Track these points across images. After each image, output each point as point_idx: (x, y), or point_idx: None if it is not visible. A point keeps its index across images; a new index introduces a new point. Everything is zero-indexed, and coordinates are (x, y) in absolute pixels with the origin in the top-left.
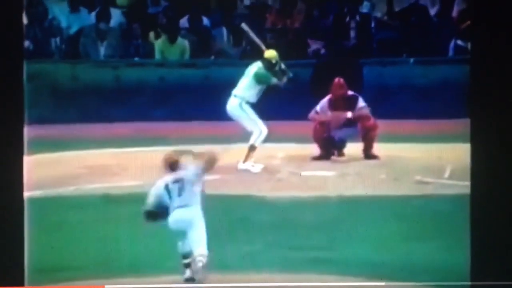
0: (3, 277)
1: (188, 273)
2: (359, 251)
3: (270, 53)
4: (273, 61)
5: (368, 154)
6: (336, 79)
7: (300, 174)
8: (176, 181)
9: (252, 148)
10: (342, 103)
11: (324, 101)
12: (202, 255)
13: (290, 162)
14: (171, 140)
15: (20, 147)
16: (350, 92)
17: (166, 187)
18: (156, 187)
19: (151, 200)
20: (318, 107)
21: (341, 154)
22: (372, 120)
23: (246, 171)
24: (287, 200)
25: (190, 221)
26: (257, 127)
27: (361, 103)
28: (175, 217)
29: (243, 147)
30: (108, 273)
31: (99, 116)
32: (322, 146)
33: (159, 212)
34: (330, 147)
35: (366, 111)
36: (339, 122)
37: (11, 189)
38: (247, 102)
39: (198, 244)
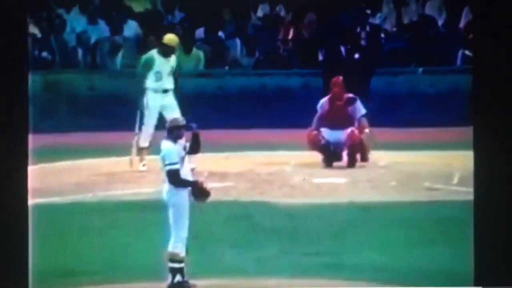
0: (8, 284)
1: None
2: (370, 257)
3: (170, 38)
4: (172, 46)
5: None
6: (335, 78)
7: (303, 178)
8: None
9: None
10: (340, 102)
11: (324, 99)
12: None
13: (302, 169)
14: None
15: (25, 156)
16: (349, 94)
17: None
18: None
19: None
20: (318, 106)
21: (338, 159)
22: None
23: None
24: (299, 206)
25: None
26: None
27: (359, 105)
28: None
29: (257, 155)
30: (112, 280)
31: (119, 125)
32: (322, 152)
33: None
34: (328, 154)
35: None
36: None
37: (16, 196)
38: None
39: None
